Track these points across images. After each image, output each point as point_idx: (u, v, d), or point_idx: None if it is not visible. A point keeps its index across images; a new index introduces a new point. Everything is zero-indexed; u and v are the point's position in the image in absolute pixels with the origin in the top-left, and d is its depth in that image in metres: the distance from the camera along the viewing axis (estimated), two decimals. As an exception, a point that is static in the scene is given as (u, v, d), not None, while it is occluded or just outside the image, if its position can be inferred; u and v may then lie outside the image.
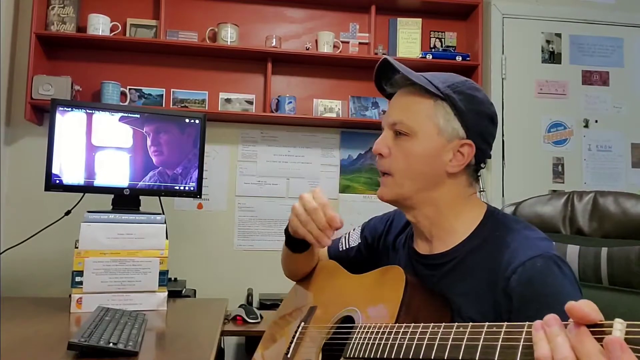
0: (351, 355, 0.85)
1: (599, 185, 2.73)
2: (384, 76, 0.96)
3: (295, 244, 1.11)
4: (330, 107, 2.59)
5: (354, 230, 1.23)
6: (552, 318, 0.53)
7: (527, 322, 0.57)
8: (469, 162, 0.90)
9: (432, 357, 0.67)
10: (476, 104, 0.90)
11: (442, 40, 2.73)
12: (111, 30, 2.39)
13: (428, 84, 0.89)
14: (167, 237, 1.62)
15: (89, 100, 2.40)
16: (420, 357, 0.69)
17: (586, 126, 2.78)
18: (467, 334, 0.64)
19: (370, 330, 0.83)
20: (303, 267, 1.23)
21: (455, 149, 0.89)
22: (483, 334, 0.61)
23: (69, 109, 1.67)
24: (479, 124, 0.91)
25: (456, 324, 0.67)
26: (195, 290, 2.20)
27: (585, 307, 0.50)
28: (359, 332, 0.87)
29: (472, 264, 0.86)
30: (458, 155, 0.90)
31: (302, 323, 1.08)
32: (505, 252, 0.81)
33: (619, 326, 0.47)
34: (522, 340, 0.56)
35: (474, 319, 0.81)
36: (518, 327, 0.57)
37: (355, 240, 1.20)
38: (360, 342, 0.84)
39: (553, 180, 2.74)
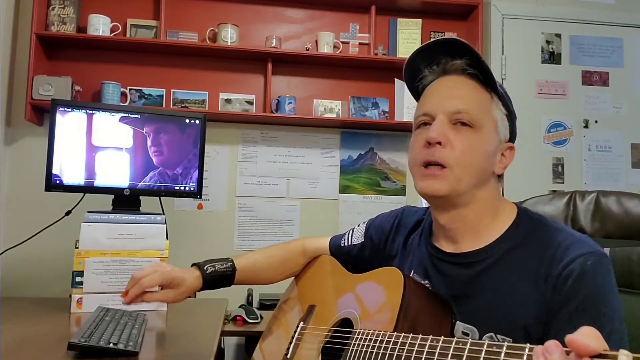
0: None
1: (599, 186, 2.73)
2: (425, 58, 0.90)
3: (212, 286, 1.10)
4: (330, 107, 2.59)
5: (358, 226, 1.20)
6: (552, 345, 0.52)
7: (529, 345, 0.56)
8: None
9: None
10: (514, 108, 0.92)
11: (442, 40, 2.72)
12: (111, 31, 2.38)
13: (493, 80, 0.86)
14: (167, 238, 1.62)
15: (89, 101, 2.40)
16: None
17: (586, 126, 2.78)
18: (466, 351, 0.63)
19: (369, 337, 0.82)
20: (265, 279, 1.23)
21: (502, 151, 0.89)
22: (483, 352, 0.60)
23: (69, 109, 1.67)
24: (516, 129, 0.92)
25: (455, 339, 0.66)
26: (195, 291, 2.19)
27: (584, 340, 0.48)
28: (357, 338, 0.86)
29: (513, 262, 0.83)
30: (502, 158, 0.89)
31: (302, 323, 1.08)
32: (558, 249, 0.79)
33: (624, 358, 0.45)
34: None
35: (521, 317, 0.78)
36: (519, 349, 0.56)
37: (358, 237, 1.16)
38: (359, 349, 0.83)
39: (553, 180, 2.74)
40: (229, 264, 1.12)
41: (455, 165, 0.83)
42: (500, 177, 0.92)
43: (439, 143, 0.83)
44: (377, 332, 0.81)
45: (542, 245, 0.81)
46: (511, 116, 0.90)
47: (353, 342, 0.86)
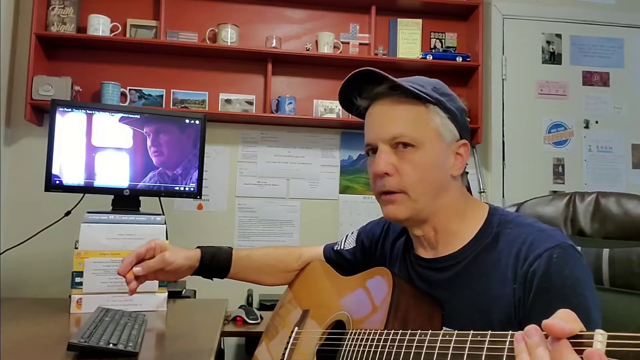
0: None
1: (600, 186, 2.73)
2: (355, 88, 0.93)
3: (205, 274, 1.15)
4: (330, 107, 2.59)
5: (352, 233, 1.22)
6: (532, 329, 0.53)
7: (511, 332, 0.57)
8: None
9: None
10: (457, 102, 0.92)
11: (443, 41, 2.73)
12: (111, 31, 2.38)
13: (418, 91, 0.86)
14: (167, 238, 1.62)
15: (89, 101, 2.39)
16: None
17: (586, 127, 2.78)
18: (452, 342, 0.64)
19: (360, 337, 0.83)
20: (261, 275, 1.24)
21: (454, 152, 0.90)
22: (468, 342, 0.62)
23: (69, 110, 1.67)
24: (465, 121, 0.92)
25: (442, 332, 0.68)
26: (195, 291, 2.19)
27: (560, 323, 0.49)
28: (349, 338, 0.87)
29: (486, 262, 0.84)
30: (458, 157, 0.90)
31: (296, 328, 1.09)
32: (522, 246, 0.80)
33: (599, 337, 0.47)
34: (505, 350, 0.56)
35: (495, 317, 0.80)
36: (501, 337, 0.58)
37: (350, 243, 1.19)
38: (350, 349, 0.84)
39: (553, 181, 2.74)
40: (226, 246, 1.18)
41: (408, 189, 0.86)
42: (464, 174, 0.94)
43: (387, 173, 0.86)
44: (367, 331, 0.82)
45: (510, 244, 0.83)
46: (454, 115, 0.89)
47: (345, 342, 0.87)
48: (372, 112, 0.92)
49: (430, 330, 0.70)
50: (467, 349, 0.61)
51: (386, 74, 0.86)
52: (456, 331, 0.65)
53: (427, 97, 0.86)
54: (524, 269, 0.78)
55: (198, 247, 1.15)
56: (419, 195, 0.87)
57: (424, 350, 0.68)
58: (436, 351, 0.66)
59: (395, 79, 0.86)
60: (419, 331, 0.71)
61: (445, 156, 0.88)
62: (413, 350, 0.70)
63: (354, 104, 0.95)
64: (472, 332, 0.62)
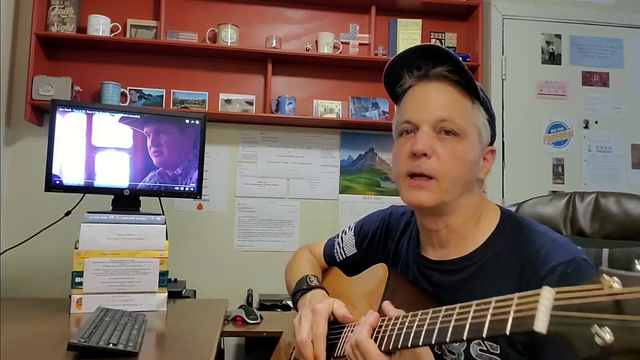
0: (337, 355, 0.88)
1: (599, 186, 2.73)
2: (406, 64, 0.88)
3: None
4: (330, 107, 2.59)
5: (345, 233, 1.20)
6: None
7: (476, 301, 0.59)
8: None
9: (410, 344, 0.68)
10: (492, 108, 0.92)
11: (442, 41, 2.73)
12: (111, 31, 2.38)
13: (475, 85, 0.84)
14: (167, 238, 1.62)
15: (89, 101, 2.39)
16: (400, 345, 0.69)
17: (586, 127, 2.78)
18: (425, 319, 0.66)
19: (352, 329, 0.85)
20: None
21: (485, 155, 0.90)
22: (441, 316, 0.63)
23: (69, 110, 1.67)
24: (495, 130, 0.93)
25: (411, 313, 0.69)
26: (195, 291, 2.20)
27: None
28: (345, 331, 0.89)
29: (497, 268, 0.84)
30: (485, 162, 0.90)
31: None
32: (536, 256, 0.80)
33: (547, 294, 0.50)
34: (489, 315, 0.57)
35: None
36: (486, 303, 0.59)
37: (350, 249, 1.18)
38: (344, 340, 0.86)
39: (553, 181, 2.74)
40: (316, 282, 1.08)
41: (442, 177, 0.83)
42: (481, 180, 0.93)
43: (425, 155, 0.83)
44: (358, 322, 0.83)
45: (524, 252, 0.82)
46: (492, 119, 0.90)
47: (342, 336, 0.89)
48: (418, 92, 0.88)
49: (410, 312, 0.70)
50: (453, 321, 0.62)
51: (454, 55, 0.84)
52: (431, 309, 0.66)
53: (479, 93, 0.86)
54: (537, 279, 0.77)
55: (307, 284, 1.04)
56: (450, 186, 0.84)
57: (404, 331, 0.69)
58: (411, 330, 0.67)
59: (462, 62, 0.84)
60: (411, 312, 0.71)
61: (479, 156, 0.88)
62: (395, 333, 0.71)
63: (397, 80, 0.91)
64: (459, 304, 0.62)
